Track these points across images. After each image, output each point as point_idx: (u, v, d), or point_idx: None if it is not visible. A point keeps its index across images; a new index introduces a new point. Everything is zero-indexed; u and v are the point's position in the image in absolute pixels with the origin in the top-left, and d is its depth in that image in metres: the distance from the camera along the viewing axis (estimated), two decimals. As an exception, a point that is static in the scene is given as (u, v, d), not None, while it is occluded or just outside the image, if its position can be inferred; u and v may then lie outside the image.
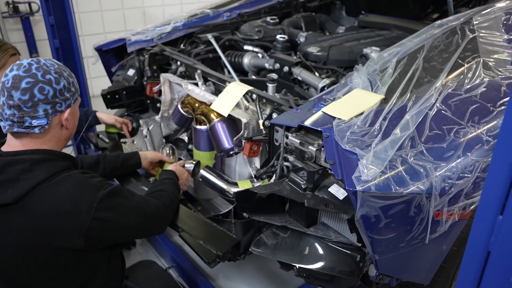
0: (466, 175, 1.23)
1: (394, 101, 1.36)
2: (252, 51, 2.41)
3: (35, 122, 1.19)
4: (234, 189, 1.83)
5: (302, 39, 2.56)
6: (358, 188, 1.12)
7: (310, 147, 1.35)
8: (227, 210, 1.65)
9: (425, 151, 1.22)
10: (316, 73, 2.10)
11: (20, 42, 3.98)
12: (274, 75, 1.82)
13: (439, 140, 1.26)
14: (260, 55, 2.38)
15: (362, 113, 1.32)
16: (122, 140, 2.21)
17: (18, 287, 1.27)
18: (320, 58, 2.22)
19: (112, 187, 1.27)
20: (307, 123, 1.35)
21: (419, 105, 1.33)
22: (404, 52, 1.62)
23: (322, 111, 1.39)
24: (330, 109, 1.38)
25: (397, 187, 1.14)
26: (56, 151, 1.27)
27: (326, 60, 2.22)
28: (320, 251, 1.39)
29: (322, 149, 1.34)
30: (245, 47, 2.46)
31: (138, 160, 1.86)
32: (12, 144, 1.24)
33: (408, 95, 1.38)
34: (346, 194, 1.29)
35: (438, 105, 1.34)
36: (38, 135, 1.22)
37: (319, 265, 1.36)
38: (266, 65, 2.21)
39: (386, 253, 1.23)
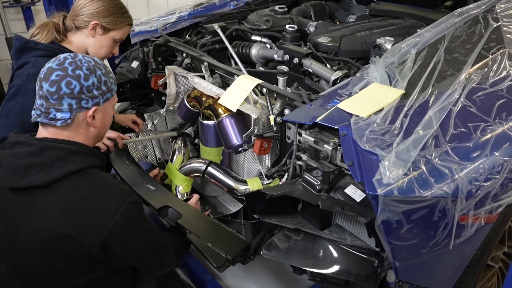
0: (493, 176, 1.15)
1: (415, 96, 1.27)
2: (260, 41, 2.31)
3: (58, 115, 1.20)
4: (242, 187, 1.76)
5: (312, 29, 2.46)
6: (380, 191, 1.04)
7: (325, 145, 1.27)
8: (236, 210, 1.58)
9: (450, 151, 1.14)
10: (328, 65, 2.01)
11: (22, 32, 3.90)
12: (285, 68, 1.73)
13: (464, 139, 1.17)
14: (268, 45, 2.29)
15: (381, 110, 1.24)
16: (126, 134, 2.14)
17: (27, 276, 1.27)
18: (331, 48, 2.13)
19: (140, 199, 1.30)
20: (322, 120, 1.27)
21: (442, 100, 1.24)
22: (423, 43, 1.52)
23: (338, 107, 1.30)
24: (346, 105, 1.30)
25: (421, 190, 1.06)
26: (90, 147, 1.30)
27: (337, 51, 2.13)
28: (335, 255, 1.32)
29: (338, 148, 1.26)
30: (253, 38, 2.36)
31: None
32: (42, 134, 1.26)
33: (430, 89, 1.30)
34: (364, 195, 1.22)
35: (462, 100, 1.25)
36: (63, 128, 1.23)
37: (334, 269, 1.29)
38: (275, 57, 2.12)
39: (408, 259, 1.15)
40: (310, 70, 1.96)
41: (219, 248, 1.39)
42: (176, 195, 1.83)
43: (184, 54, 2.08)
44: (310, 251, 1.35)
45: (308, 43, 2.23)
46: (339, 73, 1.83)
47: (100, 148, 1.84)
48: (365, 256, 1.28)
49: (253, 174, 1.93)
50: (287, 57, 2.04)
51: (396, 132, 1.16)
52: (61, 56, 1.24)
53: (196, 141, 2.27)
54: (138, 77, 2.28)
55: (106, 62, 2.52)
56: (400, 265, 1.16)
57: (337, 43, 2.13)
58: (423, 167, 1.09)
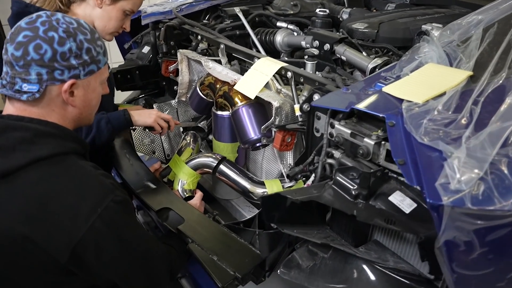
0: None
1: (486, 79, 0.98)
2: (287, 28, 2.05)
3: (25, 87, 0.98)
4: (259, 190, 1.49)
5: (345, 16, 2.18)
6: (446, 200, 0.75)
7: (365, 139, 0.99)
8: (250, 217, 1.31)
9: (541, 150, 0.84)
10: (364, 53, 1.73)
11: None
12: (315, 51, 1.46)
13: (559, 135, 0.87)
14: (295, 33, 2.03)
15: (442, 95, 0.95)
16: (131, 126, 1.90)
17: None
18: (368, 35, 1.84)
19: (126, 198, 1.05)
20: (362, 106, 0.99)
21: (523, 85, 0.94)
22: (488, 20, 1.22)
23: (383, 91, 1.02)
24: (394, 88, 1.01)
25: (503, 202, 0.77)
26: (67, 129, 1.06)
27: (375, 39, 1.84)
28: (374, 280, 1.03)
29: (383, 142, 0.98)
30: (278, 24, 2.10)
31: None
32: (7, 110, 1.04)
33: (506, 72, 1.00)
34: (415, 206, 0.94)
35: (551, 86, 0.95)
36: (32, 104, 1.01)
37: (371, 300, 1.01)
38: (303, 43, 1.85)
39: (476, 295, 0.86)
40: (343, 57, 1.68)
41: (227, 263, 1.12)
42: (178, 190, 1.57)
43: (199, 37, 1.84)
44: (340, 273, 1.07)
45: (341, 30, 1.96)
46: (378, 61, 1.55)
47: (154, 129, 1.60)
48: (414, 285, 0.99)
49: (273, 175, 1.67)
50: (316, 43, 1.76)
51: (464, 122, 0.87)
52: (35, 14, 1.01)
53: (210, 137, 2.02)
54: (148, 63, 2.06)
55: (115, 46, 2.31)
56: (465, 302, 0.86)
57: (375, 29, 1.85)
58: (506, 170, 0.80)
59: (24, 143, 0.96)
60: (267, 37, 2.01)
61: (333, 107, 1.04)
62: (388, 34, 1.84)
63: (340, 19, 2.19)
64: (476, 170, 0.77)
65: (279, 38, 1.98)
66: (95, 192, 0.98)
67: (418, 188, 0.80)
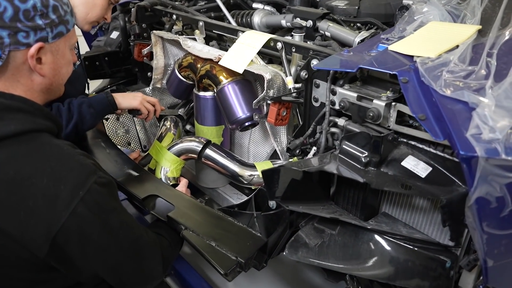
0: None
1: (495, 33, 0.94)
2: (263, 9, 1.97)
3: None
4: (249, 172, 1.40)
5: (322, -4, 2.12)
6: (479, 151, 0.69)
7: (375, 101, 0.92)
8: (245, 199, 1.21)
9: None
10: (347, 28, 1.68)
11: None
12: (303, 22, 1.39)
13: None
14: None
15: (454, 49, 0.90)
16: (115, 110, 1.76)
17: None
18: (349, 12, 1.79)
19: (110, 180, 0.91)
20: (371, 65, 0.92)
21: (533, 38, 0.90)
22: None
23: (389, 50, 0.96)
24: (401, 46, 0.95)
25: (536, 152, 0.71)
26: (36, 103, 0.91)
27: (356, 16, 1.80)
28: (389, 252, 0.96)
29: (393, 104, 0.91)
30: (254, 5, 2.01)
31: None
32: None
33: (513, 26, 0.96)
34: (430, 169, 0.88)
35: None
36: None
37: (388, 272, 0.94)
38: (283, 22, 1.77)
39: (506, 256, 0.80)
40: (327, 33, 1.61)
41: (227, 248, 1.02)
42: (161, 179, 1.45)
43: (174, 17, 1.72)
44: (352, 248, 0.99)
45: (320, 8, 1.90)
46: (365, 34, 1.49)
47: (140, 112, 1.43)
48: (432, 254, 0.93)
49: (261, 159, 1.58)
50: (297, 20, 1.69)
51: (482, 73, 0.82)
52: None
53: (188, 127, 1.90)
54: (118, 49, 1.92)
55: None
56: (494, 265, 0.80)
57: (355, 6, 1.80)
58: (536, 119, 0.75)
59: None
60: (244, 19, 1.92)
61: (338, 69, 0.96)
62: (370, 10, 1.79)
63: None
64: (507, 119, 0.71)
65: (257, 19, 1.89)
66: (76, 173, 0.84)
67: (446, 142, 0.74)
